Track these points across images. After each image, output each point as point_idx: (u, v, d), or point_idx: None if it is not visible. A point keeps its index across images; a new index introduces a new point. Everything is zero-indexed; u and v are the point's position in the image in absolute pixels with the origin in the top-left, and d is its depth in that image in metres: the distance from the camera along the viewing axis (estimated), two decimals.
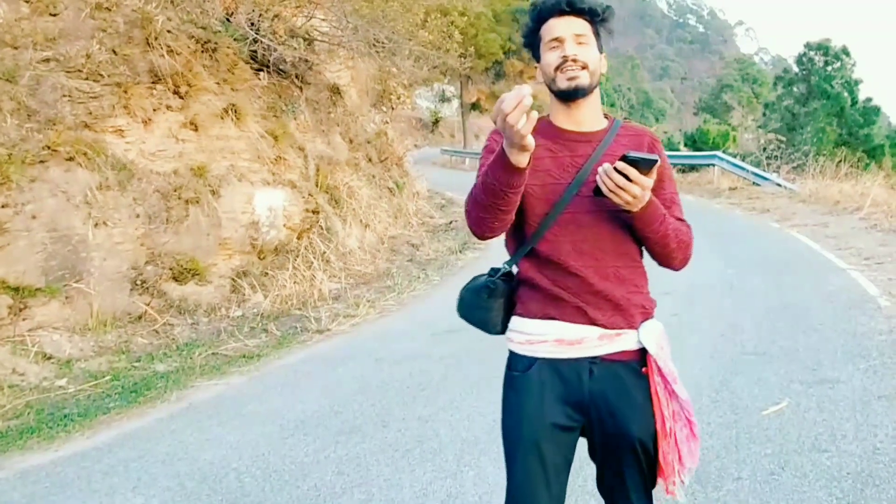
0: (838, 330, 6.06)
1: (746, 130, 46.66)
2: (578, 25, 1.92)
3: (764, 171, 19.78)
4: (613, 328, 1.91)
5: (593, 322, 1.91)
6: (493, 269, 2.07)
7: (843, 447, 3.85)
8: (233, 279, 7.47)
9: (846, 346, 5.63)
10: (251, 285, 7.51)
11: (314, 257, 8.38)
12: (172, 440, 4.39)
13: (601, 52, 1.98)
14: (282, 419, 4.65)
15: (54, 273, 5.96)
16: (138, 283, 6.58)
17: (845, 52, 39.61)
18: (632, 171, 1.74)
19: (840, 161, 17.79)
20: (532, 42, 2.02)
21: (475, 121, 47.08)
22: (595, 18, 1.95)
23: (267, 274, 7.78)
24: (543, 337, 1.95)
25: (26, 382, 5.28)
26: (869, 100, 39.35)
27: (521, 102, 1.55)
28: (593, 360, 1.92)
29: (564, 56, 1.90)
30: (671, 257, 1.97)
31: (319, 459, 4.01)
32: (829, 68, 39.55)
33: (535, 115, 1.59)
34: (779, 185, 17.99)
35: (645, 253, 2.01)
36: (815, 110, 37.80)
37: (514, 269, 2.06)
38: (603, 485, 2.07)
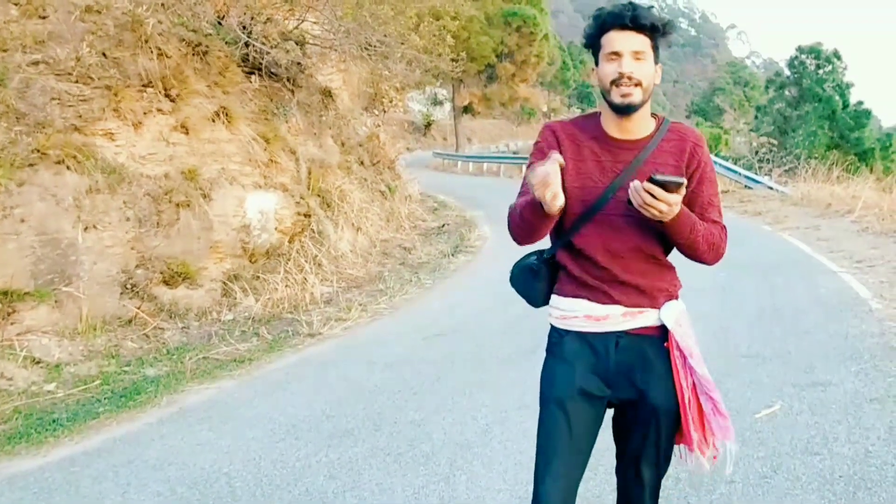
0: (830, 332, 6.07)
1: (738, 133, 46.89)
2: (638, 41, 2.03)
3: (756, 174, 19.84)
4: (636, 307, 2.12)
5: (617, 302, 2.12)
6: (538, 253, 2.28)
7: (836, 450, 3.85)
8: (224, 283, 7.43)
9: (838, 348, 5.63)
10: (242, 289, 7.47)
11: (306, 261, 8.34)
12: (163, 445, 4.36)
13: (657, 64, 2.09)
14: (273, 423, 4.63)
15: (43, 277, 5.92)
16: (128, 286, 6.54)
17: (836, 55, 39.83)
18: (658, 191, 1.88)
19: (832, 164, 17.84)
20: (593, 45, 2.12)
21: (467, 124, 47.12)
22: (656, 34, 2.05)
23: (258, 277, 7.74)
24: (574, 313, 2.17)
25: (14, 387, 5.23)
26: (860, 103, 39.57)
27: (545, 181, 1.85)
28: (619, 335, 2.13)
29: (621, 73, 2.02)
30: (701, 257, 2.13)
31: (311, 464, 3.98)
32: (821, 72, 39.76)
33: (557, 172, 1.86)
34: (771, 188, 18.04)
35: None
36: (807, 113, 37.98)
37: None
38: (623, 459, 2.27)
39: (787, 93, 41.22)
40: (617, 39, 2.03)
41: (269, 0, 8.88)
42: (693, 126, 2.26)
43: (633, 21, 2.00)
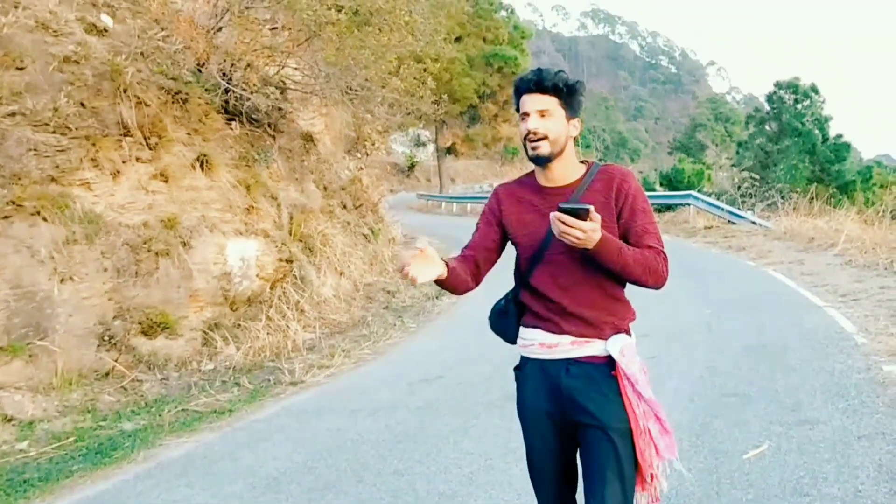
0: (816, 369, 6.03)
1: (721, 169, 47.31)
2: (543, 101, 2.29)
3: (739, 209, 19.97)
4: (582, 337, 2.33)
5: (566, 332, 2.34)
6: (505, 295, 2.55)
7: (825, 490, 3.79)
8: (204, 332, 7.32)
9: (825, 385, 5.59)
10: (223, 337, 7.37)
11: (288, 307, 8.26)
12: (139, 502, 4.24)
13: (574, 117, 2.35)
14: (253, 476, 4.52)
15: (17, 331, 5.81)
16: (106, 338, 6.43)
17: (814, 89, 40.47)
18: (568, 219, 2.09)
19: (813, 197, 18.00)
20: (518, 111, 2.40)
21: (451, 164, 47.39)
22: (561, 94, 2.30)
23: (239, 325, 7.65)
24: (532, 341, 2.42)
25: None
26: (839, 136, 40.10)
27: (402, 269, 2.14)
28: (570, 362, 2.34)
29: (528, 129, 2.30)
30: (640, 281, 2.29)
31: None
32: (800, 106, 40.35)
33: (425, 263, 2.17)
34: (754, 222, 18.14)
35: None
36: (787, 147, 38.45)
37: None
38: (587, 483, 2.35)
39: (767, 128, 41.75)
40: (526, 101, 2.32)
41: (249, 47, 8.91)
42: (622, 165, 2.59)
43: (537, 85, 2.28)
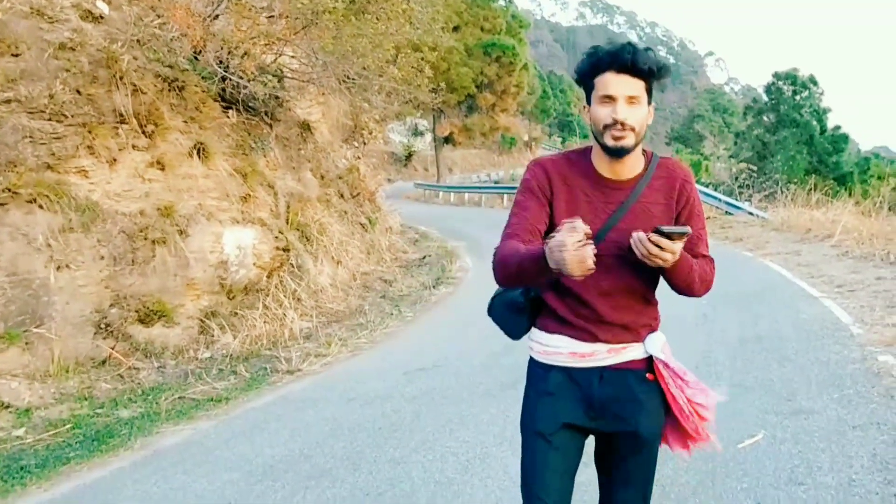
0: (812, 359, 6.06)
1: (718, 160, 47.39)
2: (633, 86, 2.01)
3: (736, 199, 20.01)
4: (620, 343, 2.16)
5: (602, 341, 2.15)
6: (524, 289, 2.28)
7: (820, 479, 3.81)
8: (201, 320, 7.32)
9: (820, 375, 5.61)
10: (220, 326, 7.36)
11: (285, 296, 8.26)
12: (135, 490, 4.24)
13: (650, 104, 2.09)
14: (250, 465, 4.53)
15: (13, 318, 5.80)
16: (102, 326, 6.42)
17: (813, 80, 40.51)
18: (664, 242, 1.91)
19: (811, 189, 18.04)
20: (585, 83, 2.10)
21: (448, 154, 47.35)
22: (652, 78, 2.04)
23: (236, 314, 7.64)
24: (558, 349, 2.19)
25: None
26: (837, 128, 40.20)
27: (582, 262, 1.76)
28: (603, 369, 2.16)
29: (615, 118, 2.01)
30: (694, 293, 2.17)
31: None
32: (798, 97, 40.40)
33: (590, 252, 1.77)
34: (751, 213, 18.18)
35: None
36: (785, 139, 38.51)
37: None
38: (610, 488, 2.28)
39: (765, 119, 41.81)
40: (612, 83, 2.00)
41: (246, 34, 8.87)
42: (679, 158, 2.30)
43: (633, 65, 1.98)
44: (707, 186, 22.37)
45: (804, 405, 4.96)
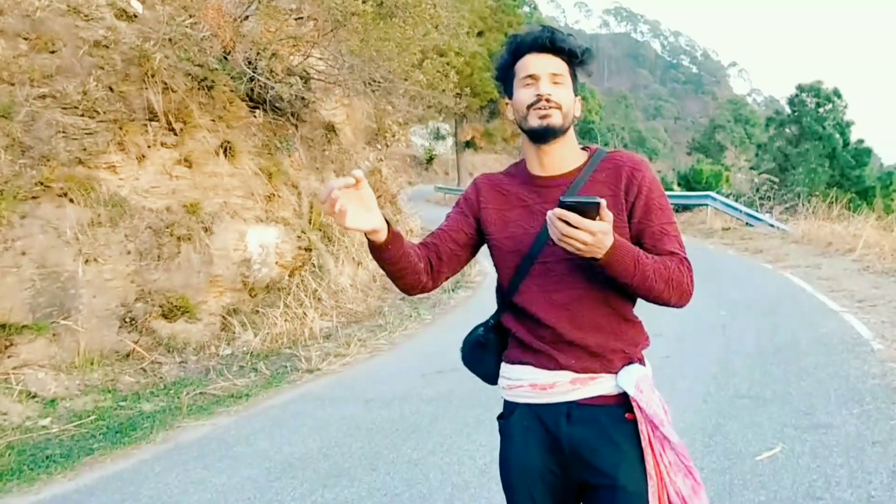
0: (831, 373, 6.03)
1: (739, 171, 47.07)
2: (556, 65, 1.85)
3: (757, 211, 19.89)
4: (586, 372, 1.83)
5: (564, 367, 1.83)
6: (484, 322, 2.05)
7: (838, 495, 3.79)
8: (223, 317, 7.42)
9: (839, 390, 5.59)
10: (241, 323, 7.45)
11: (306, 295, 8.34)
12: (157, 483, 4.31)
13: (576, 95, 1.90)
14: (269, 461, 4.58)
15: (42, 310, 5.91)
16: (127, 320, 6.53)
17: (837, 93, 40.13)
18: (573, 217, 1.59)
19: (832, 202, 17.90)
20: (505, 77, 1.94)
21: (469, 158, 47.35)
22: (574, 60, 1.88)
23: (258, 312, 7.73)
24: (520, 382, 1.90)
25: (8, 422, 5.20)
26: (861, 141, 39.79)
27: (328, 200, 1.57)
28: (570, 405, 1.83)
29: (539, 95, 1.82)
30: (662, 298, 1.79)
31: None
32: (821, 110, 40.03)
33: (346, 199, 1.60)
34: (772, 225, 18.07)
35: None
36: (807, 151, 38.18)
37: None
38: None
39: (787, 131, 41.48)
40: (533, 63, 1.85)
41: (275, 35, 8.97)
42: (634, 153, 2.00)
43: (552, 42, 1.84)
44: (728, 197, 22.24)
45: (823, 419, 4.94)
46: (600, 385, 1.83)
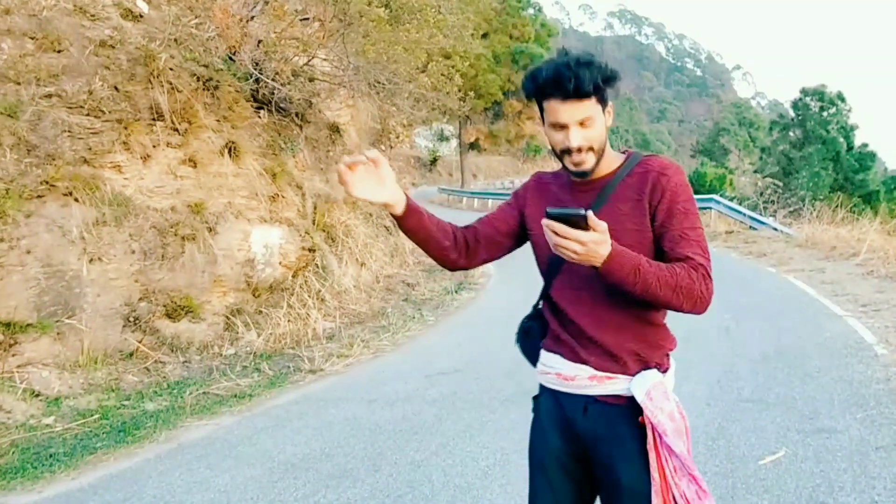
0: (835, 378, 6.02)
1: (743, 174, 47.03)
2: (583, 109, 1.83)
3: (761, 214, 19.85)
4: (604, 371, 1.91)
5: (585, 361, 1.93)
6: (531, 310, 2.20)
7: (841, 499, 3.79)
8: (227, 317, 7.43)
9: (843, 394, 5.58)
10: (245, 323, 7.46)
11: (309, 296, 8.34)
12: (160, 482, 4.32)
13: (607, 106, 1.90)
14: (272, 462, 4.59)
15: (47, 309, 5.93)
16: (131, 319, 6.54)
17: (840, 97, 40.11)
18: (559, 227, 1.65)
19: (836, 206, 17.85)
20: (536, 102, 1.94)
21: (473, 160, 47.38)
22: (600, 93, 1.85)
23: (261, 312, 7.74)
24: (549, 368, 2.03)
25: (12, 420, 5.21)
26: (865, 145, 39.75)
27: (342, 170, 1.85)
28: (588, 400, 1.94)
29: (569, 147, 1.86)
30: (673, 306, 1.81)
31: None
32: (825, 114, 40.01)
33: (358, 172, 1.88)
34: (775, 229, 18.03)
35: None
36: (811, 155, 38.14)
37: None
38: None
39: (791, 134, 41.47)
40: (560, 111, 1.83)
41: (281, 36, 8.99)
42: (668, 158, 2.01)
43: (576, 92, 1.79)
44: (732, 200, 22.20)
45: (827, 424, 4.93)
46: (615, 385, 1.91)
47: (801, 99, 40.75)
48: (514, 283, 10.36)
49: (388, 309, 9.67)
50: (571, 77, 1.78)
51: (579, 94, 1.80)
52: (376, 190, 1.89)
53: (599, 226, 1.65)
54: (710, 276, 1.84)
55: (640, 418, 1.87)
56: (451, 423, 5.21)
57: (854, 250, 13.60)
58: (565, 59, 1.83)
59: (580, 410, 1.94)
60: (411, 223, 1.98)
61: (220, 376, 6.52)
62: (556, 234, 1.66)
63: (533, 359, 2.16)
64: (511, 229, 2.10)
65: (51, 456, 4.74)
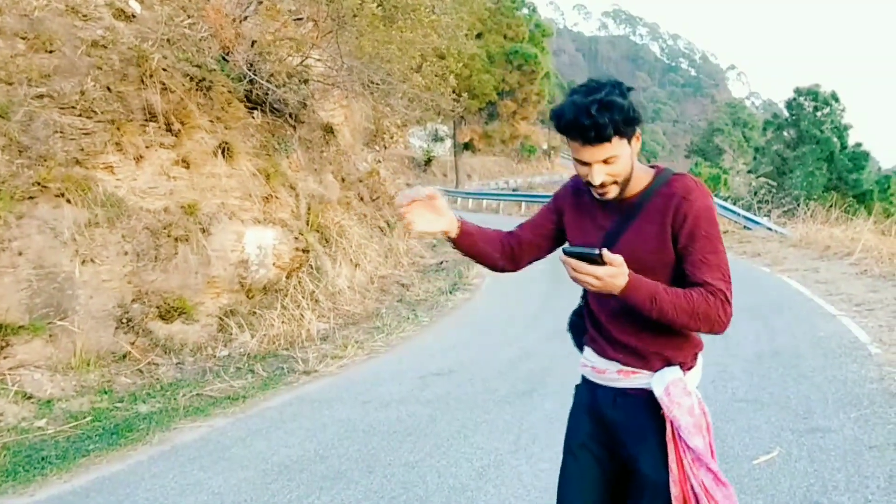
0: (829, 377, 6.03)
1: (737, 174, 47.10)
2: (605, 150, 1.90)
3: (755, 214, 19.88)
4: (629, 366, 2.07)
5: (612, 358, 2.10)
6: (576, 307, 2.38)
7: (835, 499, 3.79)
8: (220, 318, 7.40)
9: (837, 394, 5.59)
10: (238, 325, 7.44)
11: (303, 297, 8.32)
12: (153, 485, 4.30)
13: (633, 137, 1.95)
14: (265, 463, 4.57)
15: (39, 310, 5.90)
16: (124, 321, 6.51)
17: (834, 97, 40.25)
18: (574, 263, 1.81)
19: (830, 206, 17.88)
20: None
21: (468, 160, 47.35)
22: (622, 131, 1.90)
23: (255, 313, 7.71)
24: (587, 361, 2.21)
25: (4, 423, 5.18)
26: (858, 145, 39.89)
27: (400, 210, 2.04)
28: (618, 392, 2.11)
29: (592, 185, 1.97)
30: (690, 328, 1.95)
31: None
32: (819, 113, 40.14)
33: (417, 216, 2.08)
34: (770, 229, 18.05)
35: None
36: (805, 155, 38.28)
37: None
38: None
39: (785, 134, 41.60)
40: (582, 152, 1.92)
41: (275, 36, 8.96)
42: (694, 177, 2.08)
43: (597, 139, 1.87)
44: (726, 200, 22.23)
45: (820, 423, 4.94)
46: (640, 380, 2.07)
47: (795, 99, 40.87)
48: (508, 283, 10.36)
49: (383, 310, 9.65)
50: (592, 126, 1.85)
51: (600, 139, 1.88)
52: (433, 222, 2.09)
53: (615, 260, 1.81)
54: (728, 301, 1.93)
55: (661, 411, 2.01)
56: (445, 424, 5.20)
57: (848, 250, 13.62)
58: (586, 101, 1.86)
59: (610, 401, 2.11)
60: (465, 244, 2.21)
61: (213, 378, 6.50)
62: (574, 269, 1.82)
63: (579, 348, 2.34)
64: (550, 233, 2.26)
65: (43, 459, 4.72)
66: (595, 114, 1.83)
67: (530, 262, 2.34)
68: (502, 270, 2.33)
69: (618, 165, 1.93)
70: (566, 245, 1.89)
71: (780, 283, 11.30)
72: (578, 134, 1.88)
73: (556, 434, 4.81)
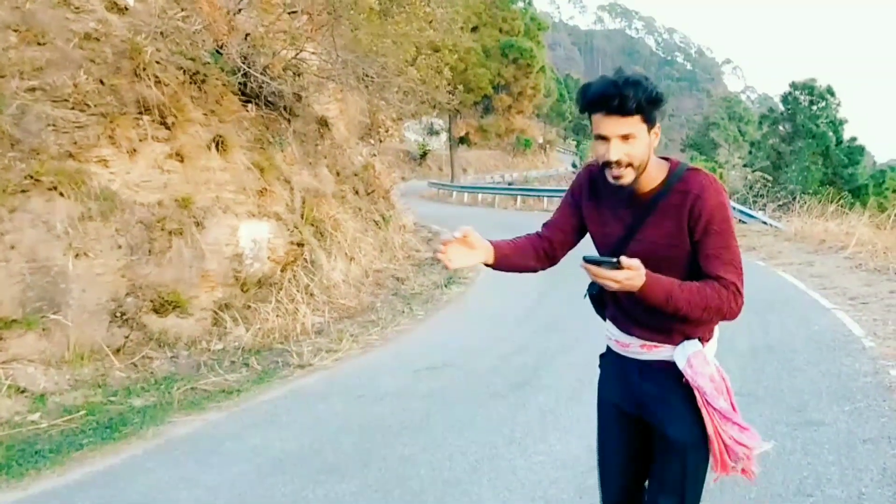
0: (823, 371, 6.05)
1: (733, 168, 47.17)
2: (626, 125, 1.99)
3: (750, 208, 19.92)
4: (651, 341, 2.23)
5: (634, 335, 2.26)
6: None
7: (829, 492, 3.81)
8: (215, 312, 7.37)
9: (831, 387, 5.60)
10: (233, 318, 7.41)
11: (298, 290, 8.30)
12: (147, 479, 4.29)
13: (653, 126, 2.05)
14: (260, 458, 4.57)
15: (32, 304, 5.87)
16: (118, 315, 6.48)
17: (830, 91, 40.31)
18: (594, 269, 1.94)
19: (825, 200, 17.93)
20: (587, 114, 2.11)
21: (463, 154, 47.32)
22: (644, 112, 1.99)
23: (249, 307, 7.69)
24: (611, 335, 2.38)
25: None
26: (854, 139, 39.99)
27: (437, 253, 2.23)
28: (642, 363, 2.26)
29: (608, 158, 2.03)
30: (703, 321, 2.12)
31: (297, 500, 3.93)
32: (815, 108, 40.21)
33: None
34: (765, 223, 18.09)
35: None
36: (801, 149, 38.35)
37: None
38: (650, 486, 2.33)
39: (780, 128, 41.66)
40: (603, 124, 2.01)
41: (269, 29, 8.92)
42: (706, 170, 2.20)
43: (620, 108, 1.96)
44: None
45: (814, 417, 4.95)
46: (662, 353, 2.22)
47: (790, 93, 40.92)
48: (503, 276, 10.35)
49: (378, 303, 9.64)
50: (616, 94, 1.95)
51: (622, 110, 1.96)
52: (469, 255, 2.23)
53: (633, 265, 1.94)
54: (740, 292, 2.07)
55: (683, 379, 2.17)
56: (440, 418, 5.20)
57: (843, 244, 13.66)
58: (615, 77, 1.99)
59: (636, 371, 2.27)
60: (502, 266, 2.34)
61: (207, 372, 6.48)
62: (595, 275, 1.95)
63: (601, 316, 2.47)
64: (575, 227, 2.38)
65: (36, 453, 4.70)
66: (622, 86, 1.95)
67: (564, 255, 2.47)
68: (539, 271, 2.47)
69: (635, 147, 2.01)
70: (586, 255, 1.97)
71: (775, 277, 11.32)
72: (602, 103, 1.98)
73: (550, 428, 4.84)
